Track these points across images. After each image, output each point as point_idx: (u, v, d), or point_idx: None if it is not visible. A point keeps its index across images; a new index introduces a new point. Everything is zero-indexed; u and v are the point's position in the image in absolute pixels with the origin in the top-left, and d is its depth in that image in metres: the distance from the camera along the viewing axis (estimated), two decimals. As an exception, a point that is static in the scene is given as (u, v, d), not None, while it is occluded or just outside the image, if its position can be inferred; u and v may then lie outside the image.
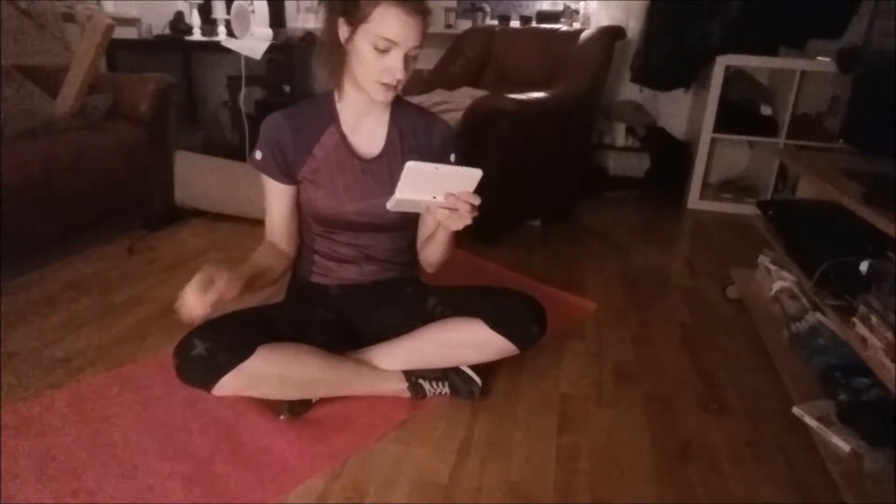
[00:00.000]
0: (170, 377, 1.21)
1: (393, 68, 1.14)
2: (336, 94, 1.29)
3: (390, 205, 1.08)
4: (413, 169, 1.02)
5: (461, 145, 1.38)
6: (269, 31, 3.07)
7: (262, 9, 2.94)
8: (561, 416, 1.37)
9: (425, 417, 1.34)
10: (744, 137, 3.14)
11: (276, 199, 1.31)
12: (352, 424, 1.30)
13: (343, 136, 1.29)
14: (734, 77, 3.10)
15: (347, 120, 1.29)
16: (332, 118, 1.29)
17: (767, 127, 3.03)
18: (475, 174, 1.04)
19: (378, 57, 1.13)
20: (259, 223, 2.67)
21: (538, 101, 2.39)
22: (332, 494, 1.11)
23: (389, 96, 1.20)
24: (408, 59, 1.16)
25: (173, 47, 3.55)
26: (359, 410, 1.34)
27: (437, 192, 1.05)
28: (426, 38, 1.17)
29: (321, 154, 1.28)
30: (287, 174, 1.28)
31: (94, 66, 2.30)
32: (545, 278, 2.11)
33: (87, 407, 1.32)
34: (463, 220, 1.08)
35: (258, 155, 1.28)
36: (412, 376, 1.37)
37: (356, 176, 1.29)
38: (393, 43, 1.12)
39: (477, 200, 1.07)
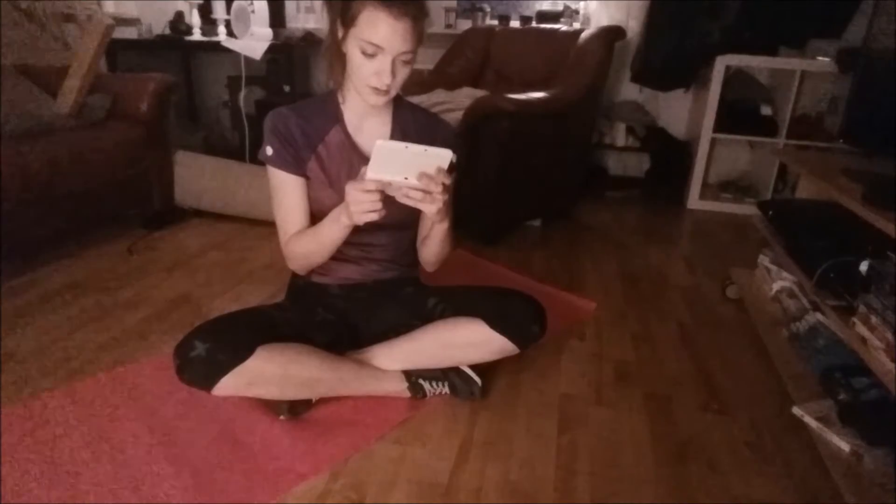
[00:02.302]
0: (170, 377, 1.21)
1: (381, 73, 1.12)
2: (339, 95, 1.28)
3: None
4: (383, 148, 1.00)
5: (462, 147, 1.38)
6: (269, 31, 3.07)
7: (262, 9, 2.94)
8: (561, 416, 1.37)
9: (425, 417, 1.34)
10: (744, 137, 3.14)
11: (292, 193, 1.27)
12: (352, 424, 1.30)
13: (348, 136, 1.28)
14: (734, 77, 3.10)
15: (351, 120, 1.29)
16: (337, 118, 1.28)
17: (767, 127, 3.03)
18: (446, 155, 1.01)
19: (366, 61, 1.12)
20: (258, 223, 2.63)
21: (538, 101, 2.39)
22: (332, 494, 1.11)
23: (381, 100, 1.18)
24: (397, 64, 1.13)
25: (173, 47, 3.55)
26: (359, 410, 1.34)
27: (409, 172, 1.01)
28: (420, 42, 1.14)
29: (325, 153, 1.27)
30: (298, 166, 1.26)
31: (94, 66, 2.30)
32: (545, 278, 2.11)
33: (86, 407, 1.32)
34: (435, 202, 1.04)
35: (268, 150, 1.25)
36: (412, 376, 1.37)
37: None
38: (378, 48, 1.10)
39: (448, 180, 1.04)
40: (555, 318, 1.45)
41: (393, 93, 1.18)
